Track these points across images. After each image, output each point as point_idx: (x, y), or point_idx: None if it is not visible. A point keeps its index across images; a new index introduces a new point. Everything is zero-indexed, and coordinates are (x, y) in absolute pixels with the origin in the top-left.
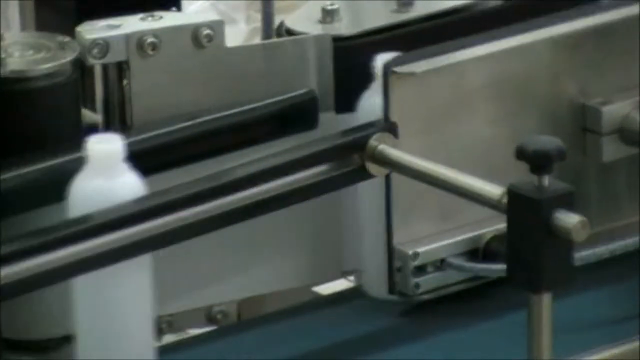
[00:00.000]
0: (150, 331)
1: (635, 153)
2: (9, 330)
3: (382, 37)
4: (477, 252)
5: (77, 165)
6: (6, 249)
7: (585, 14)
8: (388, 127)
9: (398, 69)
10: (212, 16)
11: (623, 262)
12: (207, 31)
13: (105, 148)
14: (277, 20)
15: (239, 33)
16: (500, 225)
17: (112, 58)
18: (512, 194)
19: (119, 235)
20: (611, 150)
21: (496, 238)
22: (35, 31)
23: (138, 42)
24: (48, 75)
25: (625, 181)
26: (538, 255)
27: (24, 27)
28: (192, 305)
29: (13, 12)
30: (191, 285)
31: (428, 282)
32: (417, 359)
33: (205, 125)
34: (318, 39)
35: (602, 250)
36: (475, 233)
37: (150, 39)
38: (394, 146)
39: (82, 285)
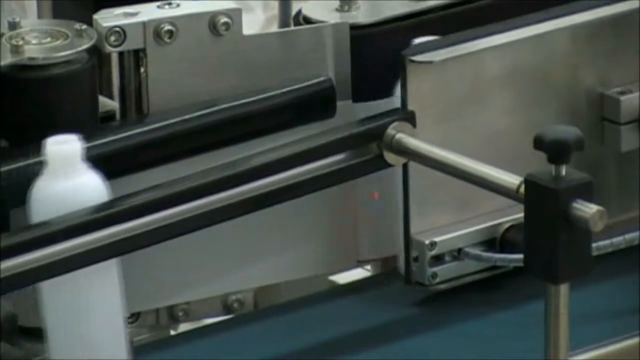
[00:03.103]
0: (122, 334)
1: None
2: (24, 318)
3: (400, 25)
4: (495, 242)
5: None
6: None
7: (604, 3)
8: (406, 115)
9: (416, 58)
10: (229, 4)
11: (624, 256)
12: (224, 19)
13: (64, 149)
14: (294, 8)
15: (256, 21)
16: (517, 215)
17: (129, 46)
18: (530, 183)
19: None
20: (629, 139)
21: (513, 228)
22: (52, 19)
23: (155, 30)
24: (65, 62)
25: None
26: (556, 245)
27: (41, 14)
28: (208, 293)
29: None
30: (207, 273)
31: (445, 271)
32: (434, 349)
33: (221, 113)
34: (335, 27)
35: (619, 240)
36: (493, 223)
37: (167, 27)
38: (412, 135)
39: (51, 288)
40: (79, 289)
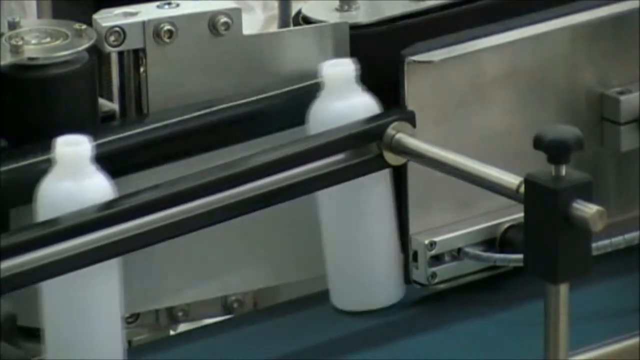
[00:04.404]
0: (119, 332)
1: None
2: (24, 318)
3: (399, 25)
4: (494, 241)
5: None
6: None
7: (604, 3)
8: (406, 115)
9: (415, 58)
10: (229, 4)
11: (624, 256)
12: (224, 19)
13: (74, 150)
14: (294, 8)
15: (256, 21)
16: (517, 214)
17: (128, 46)
18: (530, 183)
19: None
20: (629, 139)
21: (513, 228)
22: (52, 19)
23: (155, 30)
24: (65, 62)
25: None
26: (555, 245)
27: (41, 14)
28: (207, 295)
29: None
30: (207, 275)
31: (444, 271)
32: (434, 349)
33: (221, 113)
34: (335, 27)
35: (619, 240)
36: (492, 222)
37: (167, 27)
38: (412, 135)
39: (51, 287)
40: (79, 288)
